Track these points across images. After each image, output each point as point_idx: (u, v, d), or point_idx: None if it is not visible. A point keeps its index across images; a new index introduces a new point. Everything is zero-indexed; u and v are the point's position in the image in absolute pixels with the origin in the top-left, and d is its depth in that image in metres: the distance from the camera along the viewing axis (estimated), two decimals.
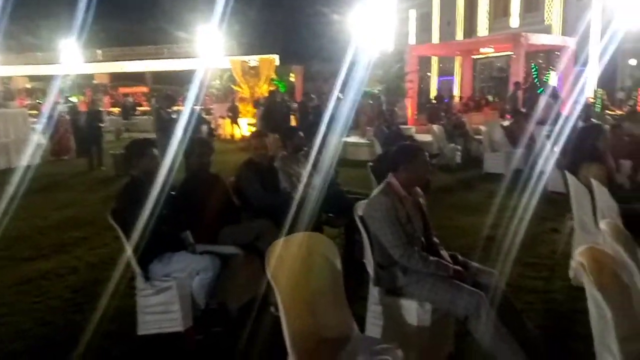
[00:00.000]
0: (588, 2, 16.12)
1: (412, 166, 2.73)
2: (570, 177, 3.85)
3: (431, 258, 2.62)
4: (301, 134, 4.70)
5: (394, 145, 4.76)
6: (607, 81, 16.32)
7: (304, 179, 4.24)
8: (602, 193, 3.41)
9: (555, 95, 10.39)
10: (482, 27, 24.12)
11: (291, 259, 1.99)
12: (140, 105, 27.79)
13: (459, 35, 24.61)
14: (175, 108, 9.52)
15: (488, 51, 17.69)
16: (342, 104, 9.21)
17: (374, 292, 2.72)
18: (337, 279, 2.19)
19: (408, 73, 13.85)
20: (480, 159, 9.13)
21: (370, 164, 4.71)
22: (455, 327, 2.84)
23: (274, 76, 18.80)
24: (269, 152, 4.33)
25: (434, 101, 14.98)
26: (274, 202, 3.84)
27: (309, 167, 4.37)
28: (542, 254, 4.71)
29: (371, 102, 14.03)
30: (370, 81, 14.18)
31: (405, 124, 13.52)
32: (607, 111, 13.95)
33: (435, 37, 25.70)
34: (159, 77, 34.43)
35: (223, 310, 3.10)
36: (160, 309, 2.99)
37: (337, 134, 6.51)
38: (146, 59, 32.49)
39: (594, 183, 3.52)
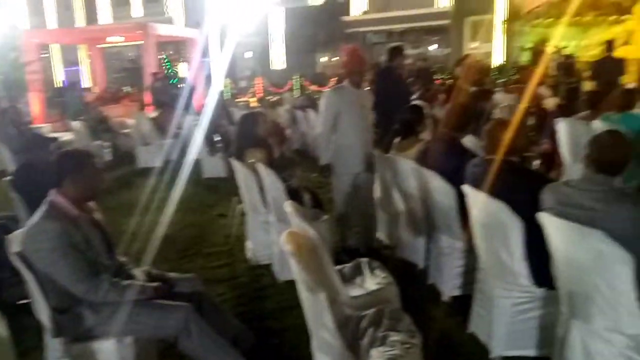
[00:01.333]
0: None
1: (82, 177, 2.20)
2: (236, 164, 3.99)
3: (124, 283, 2.20)
4: None
5: (36, 151, 3.91)
6: (230, 71, 18.20)
7: None
8: (267, 175, 3.66)
9: (192, 85, 10.79)
10: (106, 15, 22.94)
11: None
12: None
13: (80, 22, 22.71)
14: None
15: (117, 40, 16.85)
16: None
17: (53, 345, 2.09)
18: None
19: (28, 63, 11.75)
20: (133, 154, 8.70)
21: (10, 177, 3.67)
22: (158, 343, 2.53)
23: None
24: None
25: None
26: None
27: None
28: (218, 242, 4.80)
29: None
30: None
31: (31, 122, 11.48)
32: (236, 99, 15.63)
33: (53, 23, 22.92)
34: None
35: None
36: None
37: None
38: None
39: (259, 166, 3.74)
